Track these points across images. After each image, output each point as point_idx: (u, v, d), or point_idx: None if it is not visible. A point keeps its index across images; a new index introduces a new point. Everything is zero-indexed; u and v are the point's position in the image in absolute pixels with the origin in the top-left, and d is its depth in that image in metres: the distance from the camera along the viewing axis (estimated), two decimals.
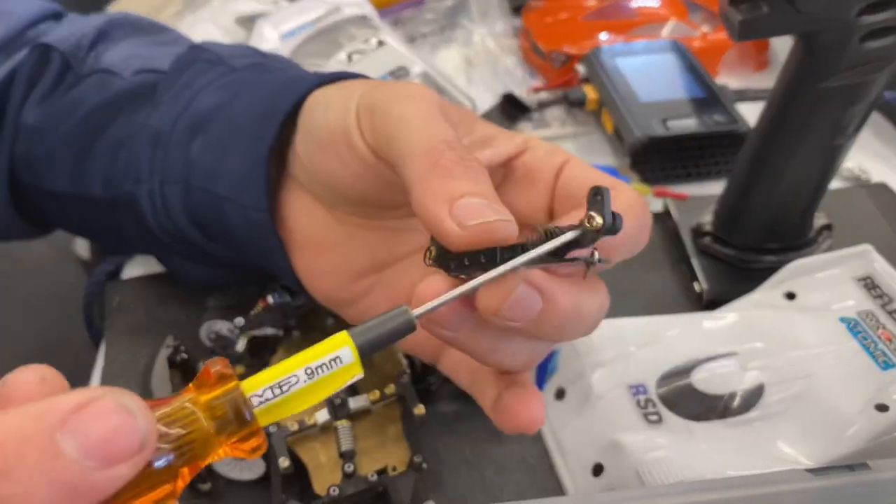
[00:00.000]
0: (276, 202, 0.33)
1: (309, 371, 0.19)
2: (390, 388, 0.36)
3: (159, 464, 0.17)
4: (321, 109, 0.30)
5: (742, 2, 0.36)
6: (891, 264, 0.43)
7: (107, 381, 0.42)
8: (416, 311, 0.21)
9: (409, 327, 0.20)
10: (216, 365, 0.19)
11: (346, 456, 0.34)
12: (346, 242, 0.32)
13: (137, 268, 0.49)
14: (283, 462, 0.34)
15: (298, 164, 0.32)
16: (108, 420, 0.16)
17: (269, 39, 0.56)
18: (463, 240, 0.22)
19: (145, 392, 0.39)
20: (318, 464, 0.35)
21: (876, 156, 0.57)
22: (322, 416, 0.35)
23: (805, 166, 0.41)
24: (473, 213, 0.22)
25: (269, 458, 0.35)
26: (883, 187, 0.53)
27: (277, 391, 0.18)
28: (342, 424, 0.34)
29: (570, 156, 0.28)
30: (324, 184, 0.31)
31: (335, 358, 0.19)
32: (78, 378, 0.44)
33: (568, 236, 0.21)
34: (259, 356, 0.40)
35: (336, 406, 0.35)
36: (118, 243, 0.46)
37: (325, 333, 0.40)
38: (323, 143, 0.29)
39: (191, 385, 0.19)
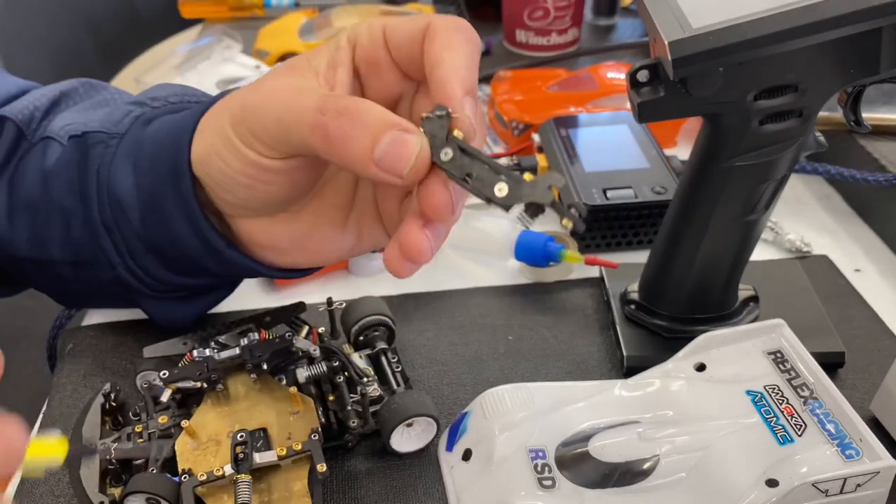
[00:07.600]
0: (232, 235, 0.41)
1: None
2: (297, 445, 0.38)
3: None
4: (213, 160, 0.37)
5: (642, 85, 0.38)
6: (814, 337, 0.44)
7: (46, 424, 0.44)
8: None
9: None
10: None
11: None
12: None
13: (96, 315, 0.51)
14: None
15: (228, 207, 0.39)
16: None
17: None
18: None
19: (76, 437, 0.41)
20: None
21: (822, 228, 0.58)
22: (230, 467, 0.37)
23: (719, 240, 0.43)
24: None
25: None
26: (822, 259, 0.54)
27: None
28: (242, 478, 0.36)
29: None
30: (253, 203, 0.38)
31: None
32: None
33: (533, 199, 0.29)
34: (186, 406, 0.42)
35: (239, 460, 0.36)
36: (87, 299, 0.48)
37: (247, 387, 0.42)
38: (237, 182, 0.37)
39: None
